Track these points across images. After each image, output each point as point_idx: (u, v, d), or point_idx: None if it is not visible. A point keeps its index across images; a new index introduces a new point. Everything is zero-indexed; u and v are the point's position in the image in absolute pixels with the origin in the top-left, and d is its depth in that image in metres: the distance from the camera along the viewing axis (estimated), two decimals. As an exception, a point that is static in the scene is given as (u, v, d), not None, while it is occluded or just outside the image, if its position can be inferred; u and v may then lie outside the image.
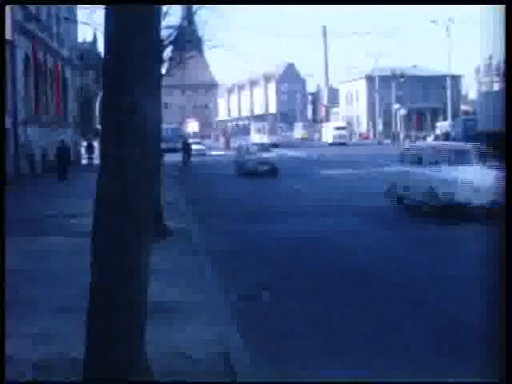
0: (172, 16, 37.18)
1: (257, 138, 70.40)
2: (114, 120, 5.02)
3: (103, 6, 5.18)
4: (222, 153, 59.47)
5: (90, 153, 40.44)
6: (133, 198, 4.98)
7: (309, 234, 14.56)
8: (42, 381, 5.78)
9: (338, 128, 74.80)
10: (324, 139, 76.67)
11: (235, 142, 55.68)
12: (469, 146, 18.80)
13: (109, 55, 5.06)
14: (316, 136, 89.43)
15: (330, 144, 69.59)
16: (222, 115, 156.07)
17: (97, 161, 32.07)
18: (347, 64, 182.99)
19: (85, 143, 43.91)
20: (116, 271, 4.97)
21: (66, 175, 29.41)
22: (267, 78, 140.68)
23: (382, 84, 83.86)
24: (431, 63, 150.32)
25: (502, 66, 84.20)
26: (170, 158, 34.99)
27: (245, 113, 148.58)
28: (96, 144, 37.87)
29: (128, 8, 4.91)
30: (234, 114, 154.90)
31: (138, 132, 4.98)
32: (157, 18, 5.19)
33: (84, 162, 40.44)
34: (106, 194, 5.03)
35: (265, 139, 65.23)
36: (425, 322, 7.84)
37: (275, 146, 59.10)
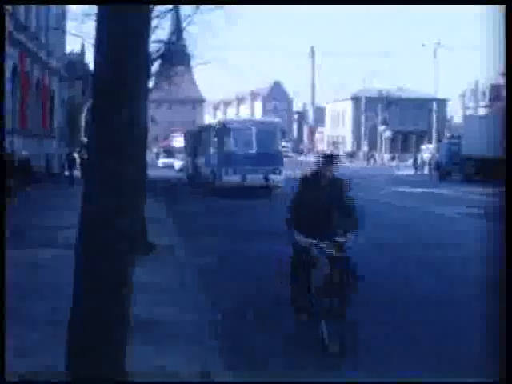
0: (161, 30, 37.17)
1: None
2: (107, 133, 4.95)
3: (94, 19, 5.10)
4: None
5: (70, 165, 35.34)
6: (123, 211, 4.96)
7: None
8: (39, 381, 5.77)
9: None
10: None
11: None
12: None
13: (104, 67, 4.95)
14: None
15: None
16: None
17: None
18: (336, 83, 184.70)
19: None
20: (100, 284, 4.93)
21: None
22: (254, 96, 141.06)
23: (369, 105, 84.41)
24: (420, 86, 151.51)
25: (487, 91, 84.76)
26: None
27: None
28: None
29: (122, 17, 4.80)
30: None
31: (132, 145, 4.97)
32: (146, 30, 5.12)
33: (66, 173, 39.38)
34: (94, 206, 4.99)
35: None
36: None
37: None
